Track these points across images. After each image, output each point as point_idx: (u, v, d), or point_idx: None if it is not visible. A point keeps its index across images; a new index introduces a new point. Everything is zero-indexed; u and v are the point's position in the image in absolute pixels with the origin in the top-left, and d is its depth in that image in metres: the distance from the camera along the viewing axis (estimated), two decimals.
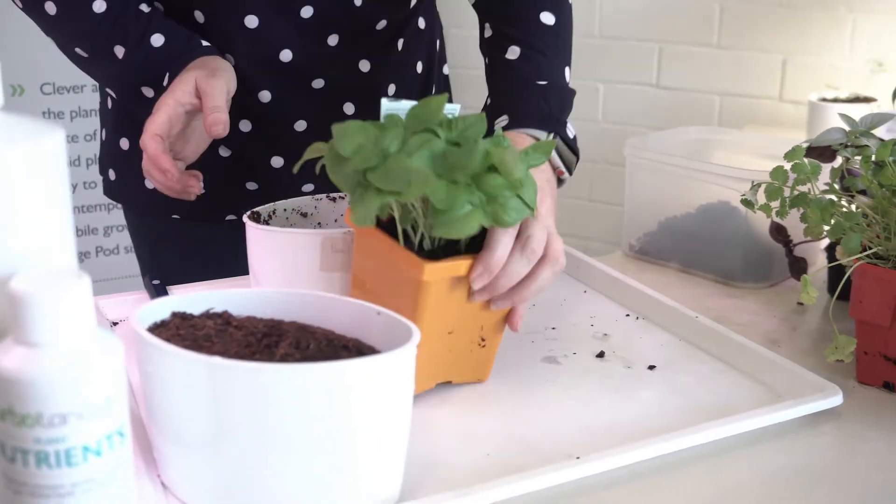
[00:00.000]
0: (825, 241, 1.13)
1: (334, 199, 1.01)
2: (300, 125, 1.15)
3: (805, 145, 0.99)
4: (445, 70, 1.32)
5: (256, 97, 1.12)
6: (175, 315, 0.71)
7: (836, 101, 2.04)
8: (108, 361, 0.50)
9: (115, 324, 0.97)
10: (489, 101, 1.05)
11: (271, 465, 0.62)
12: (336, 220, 1.01)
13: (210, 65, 1.00)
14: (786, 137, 1.52)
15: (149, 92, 1.03)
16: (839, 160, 0.99)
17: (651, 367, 0.90)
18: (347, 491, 0.64)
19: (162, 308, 0.71)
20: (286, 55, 1.10)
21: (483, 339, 0.84)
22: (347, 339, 0.70)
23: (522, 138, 0.96)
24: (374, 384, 0.63)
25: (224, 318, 0.71)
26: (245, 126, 1.14)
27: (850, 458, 0.78)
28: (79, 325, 0.49)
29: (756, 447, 0.78)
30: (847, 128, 1.01)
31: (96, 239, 2.28)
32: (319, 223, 1.01)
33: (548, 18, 1.06)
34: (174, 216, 1.20)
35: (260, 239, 0.91)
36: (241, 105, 1.10)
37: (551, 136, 0.98)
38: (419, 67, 1.23)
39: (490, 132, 0.84)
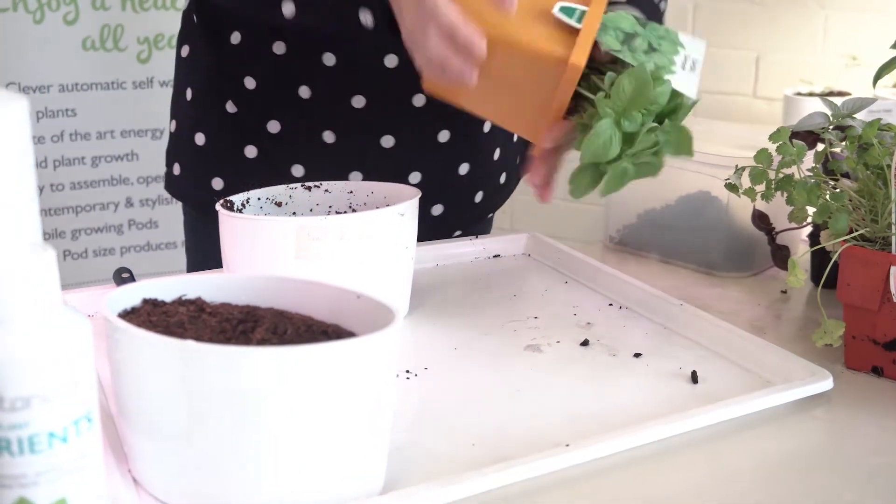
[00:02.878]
0: (807, 230, 1.12)
1: (309, 189, 0.98)
2: (387, 140, 1.13)
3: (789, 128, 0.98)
4: None
5: (350, 103, 1.10)
6: (146, 302, 0.68)
7: (811, 95, 2.03)
8: (75, 340, 0.47)
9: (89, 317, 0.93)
10: None
11: (248, 456, 0.59)
12: (311, 210, 0.99)
13: None
14: (763, 129, 1.51)
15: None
16: (820, 147, 0.98)
17: (637, 355, 0.88)
18: (329, 481, 0.61)
19: (132, 294, 0.68)
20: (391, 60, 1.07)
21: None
22: (326, 324, 0.67)
23: None
24: (355, 368, 0.60)
25: (197, 305, 0.68)
26: (329, 137, 1.12)
27: (842, 442, 0.76)
28: (43, 302, 0.46)
29: (747, 433, 0.76)
30: (829, 112, 1.00)
31: (63, 243, 2.23)
32: (294, 213, 0.98)
33: None
34: None
35: (233, 227, 0.88)
36: (330, 111, 1.08)
37: None
38: None
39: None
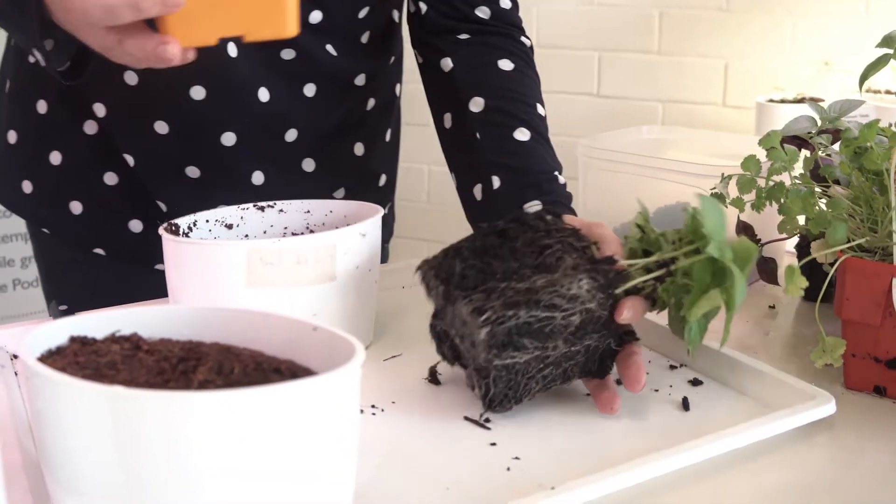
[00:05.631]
0: (793, 241, 1.06)
1: (262, 209, 0.91)
2: (257, 177, 1.07)
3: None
4: (397, 90, 1.23)
5: (220, 140, 1.02)
6: (74, 340, 0.60)
7: (783, 101, 1.99)
8: None
9: (15, 356, 0.85)
10: (498, 181, 0.98)
11: None
12: (265, 232, 0.91)
13: None
14: (739, 136, 1.46)
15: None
16: (804, 153, 0.93)
17: (620, 382, 0.82)
18: None
19: (58, 332, 0.60)
20: (263, 95, 1.01)
21: None
22: (279, 360, 0.59)
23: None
24: (312, 412, 0.52)
25: (133, 342, 0.60)
26: (193, 172, 1.05)
27: (847, 471, 0.70)
28: None
29: (744, 465, 0.69)
30: (816, 116, 0.94)
31: (13, 271, 2.14)
32: (247, 235, 0.90)
33: (541, 111, 1.05)
34: (96, 250, 1.09)
35: (178, 253, 0.80)
36: (193, 147, 1.02)
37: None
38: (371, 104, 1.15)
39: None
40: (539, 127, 1.02)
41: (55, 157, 1.07)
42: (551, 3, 2.53)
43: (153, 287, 1.00)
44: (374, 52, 1.10)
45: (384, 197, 1.22)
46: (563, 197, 0.98)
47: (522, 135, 1.00)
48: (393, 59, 1.15)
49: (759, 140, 0.85)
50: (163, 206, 1.06)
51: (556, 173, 1.00)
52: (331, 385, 0.53)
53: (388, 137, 1.20)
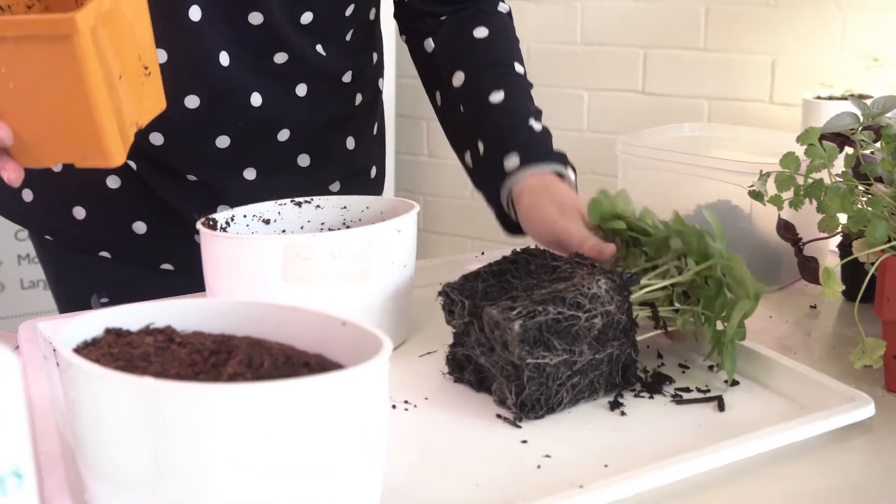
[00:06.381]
0: (835, 240, 1.05)
1: (299, 204, 0.92)
2: (253, 175, 1.08)
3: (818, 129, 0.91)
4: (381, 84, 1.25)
5: (214, 144, 1.03)
6: (109, 332, 0.61)
7: (831, 98, 1.96)
8: None
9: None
10: (482, 145, 1.04)
11: None
12: (302, 227, 0.92)
13: None
14: (783, 134, 1.44)
15: None
16: (850, 150, 0.91)
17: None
18: None
19: (94, 324, 0.61)
20: (255, 99, 1.03)
21: (146, 68, 0.78)
22: (309, 354, 0.60)
23: (546, 176, 0.99)
24: (340, 405, 0.53)
25: (166, 334, 0.61)
26: (191, 176, 1.06)
27: (887, 475, 0.68)
28: None
29: (782, 467, 0.68)
30: (859, 112, 0.93)
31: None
32: (284, 230, 0.91)
33: (519, 69, 1.09)
34: (102, 253, 1.10)
35: (215, 247, 0.81)
36: (189, 154, 1.03)
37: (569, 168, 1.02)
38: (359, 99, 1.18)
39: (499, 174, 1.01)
40: (512, 84, 1.07)
41: (56, 165, 1.08)
42: (596, 0, 2.52)
43: (160, 286, 1.01)
44: (358, 50, 1.13)
45: (376, 188, 1.25)
46: (539, 145, 1.03)
47: (496, 96, 1.05)
48: (375, 55, 1.19)
49: (798, 136, 0.83)
50: (165, 203, 1.08)
51: (532, 121, 1.04)
52: (357, 379, 0.53)
53: (374, 130, 1.23)
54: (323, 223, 0.92)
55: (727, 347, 0.79)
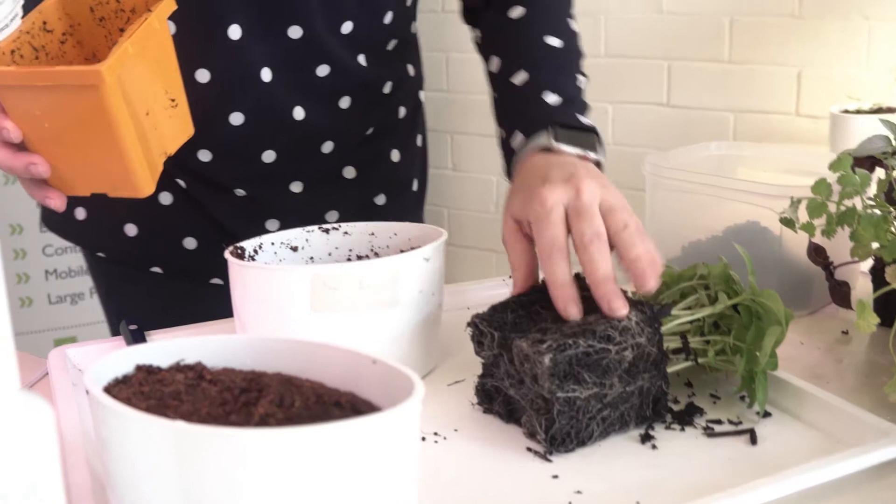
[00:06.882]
0: (867, 263, 1.04)
1: (327, 231, 0.91)
2: (299, 188, 1.09)
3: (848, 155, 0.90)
4: (421, 96, 1.25)
5: (260, 158, 1.04)
6: (140, 368, 0.61)
7: (858, 112, 1.94)
8: (33, 434, 0.40)
9: None
10: (501, 128, 1.01)
11: None
12: (330, 254, 0.92)
13: None
14: (812, 150, 1.43)
15: None
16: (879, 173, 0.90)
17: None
18: None
19: (124, 360, 0.61)
20: (298, 113, 1.04)
21: (173, 100, 0.82)
22: (340, 392, 0.59)
23: (534, 154, 0.91)
24: (373, 448, 0.52)
25: (197, 371, 0.61)
26: (239, 192, 1.07)
27: None
28: None
29: None
30: (891, 135, 0.92)
31: (90, 279, 2.19)
32: (312, 257, 0.91)
33: (553, 41, 1.02)
34: (153, 269, 1.11)
35: (243, 277, 0.81)
36: (236, 169, 1.05)
37: (550, 131, 0.92)
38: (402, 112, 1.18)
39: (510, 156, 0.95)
40: (536, 60, 1.00)
41: None
42: (620, 11, 2.50)
43: (211, 300, 1.02)
44: (398, 61, 1.13)
45: (418, 201, 1.25)
46: (542, 118, 0.93)
47: (519, 77, 0.99)
48: (412, 68, 1.19)
49: (830, 164, 0.82)
50: (215, 219, 1.09)
51: (546, 94, 0.96)
52: (390, 422, 0.53)
53: (418, 142, 1.23)
54: (351, 249, 0.92)
55: (759, 378, 0.78)
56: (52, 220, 1.15)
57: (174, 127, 0.83)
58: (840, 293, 1.00)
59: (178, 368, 0.61)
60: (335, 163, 1.11)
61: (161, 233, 1.09)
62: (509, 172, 0.98)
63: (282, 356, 0.63)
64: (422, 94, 1.24)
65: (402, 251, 0.92)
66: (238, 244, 0.86)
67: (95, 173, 0.80)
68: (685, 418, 0.79)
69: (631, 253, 0.79)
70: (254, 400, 0.58)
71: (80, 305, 2.21)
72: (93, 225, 1.11)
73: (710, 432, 0.77)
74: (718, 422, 0.79)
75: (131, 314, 1.10)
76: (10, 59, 0.80)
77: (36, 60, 0.83)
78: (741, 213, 1.09)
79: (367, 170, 1.14)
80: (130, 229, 1.09)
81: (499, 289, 1.08)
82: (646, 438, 0.76)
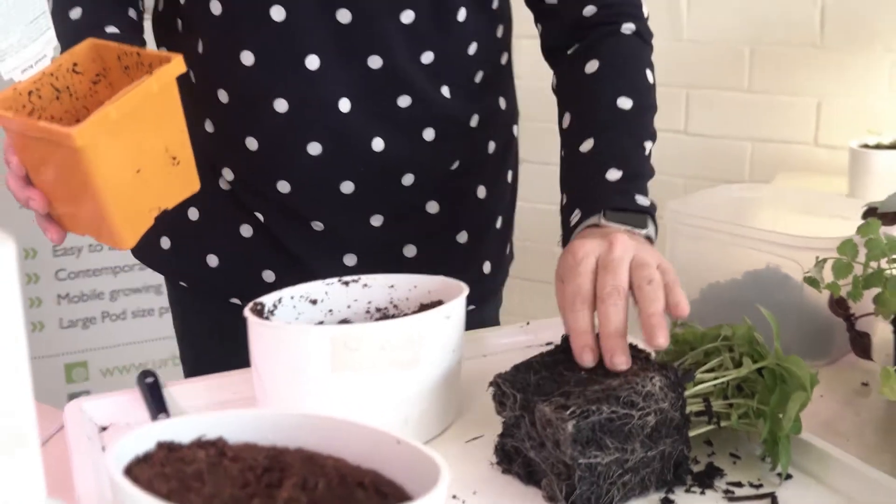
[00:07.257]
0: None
1: (346, 283, 0.92)
2: (376, 220, 1.08)
3: (872, 207, 0.89)
4: (514, 131, 1.23)
5: (339, 189, 1.04)
6: (161, 446, 0.61)
7: (878, 147, 1.93)
8: None
9: (104, 429, 0.87)
10: (564, 196, 0.99)
11: None
12: (349, 307, 0.92)
13: None
14: (831, 193, 1.42)
15: None
16: None
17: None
18: None
19: (145, 438, 0.61)
20: (378, 144, 1.03)
21: (174, 157, 0.82)
22: (363, 471, 0.59)
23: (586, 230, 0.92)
24: None
25: (218, 448, 0.61)
26: (317, 225, 1.07)
27: None
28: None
29: None
30: None
31: (101, 304, 2.20)
32: (331, 310, 0.91)
33: (624, 103, 0.99)
34: (232, 300, 1.11)
35: (262, 335, 0.81)
36: (315, 200, 1.05)
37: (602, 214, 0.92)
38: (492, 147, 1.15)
39: (568, 231, 0.95)
40: (604, 127, 0.98)
41: (193, 213, 1.10)
42: None
43: None
44: (486, 93, 1.11)
45: (503, 240, 1.21)
46: (601, 196, 0.93)
47: (586, 145, 0.98)
48: (504, 101, 1.16)
49: (858, 228, 0.82)
50: (294, 253, 1.09)
51: (611, 170, 0.95)
52: None
53: (508, 178, 1.20)
54: (370, 302, 0.92)
55: (783, 442, 0.78)
56: (139, 249, 1.16)
57: (173, 183, 0.83)
58: (861, 345, 1.00)
59: (199, 445, 0.61)
60: (417, 196, 1.09)
61: (241, 264, 1.10)
62: (565, 244, 0.96)
63: (304, 431, 0.63)
64: (515, 129, 1.20)
65: (421, 304, 0.92)
66: (258, 300, 0.86)
67: (84, 218, 0.82)
68: (705, 481, 0.79)
69: (649, 308, 0.81)
70: (276, 481, 0.57)
71: (91, 330, 2.22)
72: (177, 255, 1.12)
73: (730, 496, 0.77)
74: (739, 484, 0.78)
75: (202, 347, 1.11)
76: (27, 100, 0.82)
77: (56, 101, 0.85)
78: (762, 258, 1.08)
79: (451, 205, 1.12)
80: (212, 260, 1.10)
81: (517, 335, 1.07)
82: (666, 503, 0.76)
